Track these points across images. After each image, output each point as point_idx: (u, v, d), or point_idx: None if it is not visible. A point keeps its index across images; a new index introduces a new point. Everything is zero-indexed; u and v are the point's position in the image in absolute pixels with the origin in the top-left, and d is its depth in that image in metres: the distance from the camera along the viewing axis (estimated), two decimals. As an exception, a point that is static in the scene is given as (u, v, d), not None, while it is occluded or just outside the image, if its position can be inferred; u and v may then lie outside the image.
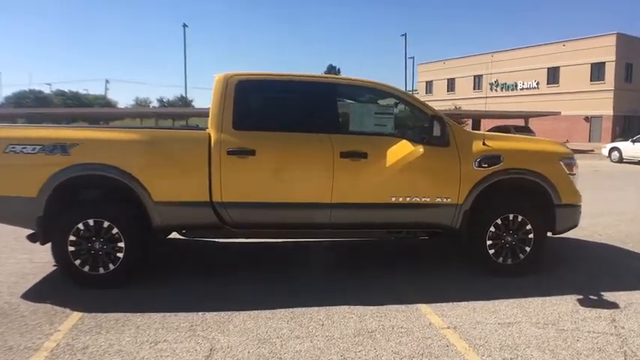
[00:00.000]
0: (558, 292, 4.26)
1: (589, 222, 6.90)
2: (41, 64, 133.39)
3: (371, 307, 3.87)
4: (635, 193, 11.47)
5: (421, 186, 4.50)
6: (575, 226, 5.01)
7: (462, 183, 4.50)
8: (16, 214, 4.20)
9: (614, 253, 5.78)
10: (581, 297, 4.14)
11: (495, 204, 4.66)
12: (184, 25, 46.49)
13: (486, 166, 4.52)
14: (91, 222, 4.14)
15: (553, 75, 43.52)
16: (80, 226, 4.13)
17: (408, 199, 4.47)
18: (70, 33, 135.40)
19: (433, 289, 4.33)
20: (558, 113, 34.66)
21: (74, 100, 60.44)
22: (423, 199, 4.49)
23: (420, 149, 4.42)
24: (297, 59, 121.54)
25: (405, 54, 51.48)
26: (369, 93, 4.92)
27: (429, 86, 57.04)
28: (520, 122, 33.60)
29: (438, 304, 3.96)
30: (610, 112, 39.55)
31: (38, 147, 4.08)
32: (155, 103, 70.34)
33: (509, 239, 4.64)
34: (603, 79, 39.92)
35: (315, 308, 3.85)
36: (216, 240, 5.80)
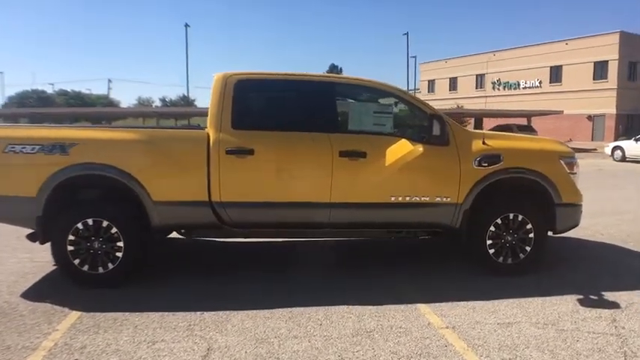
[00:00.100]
0: (558, 291, 4.24)
1: (590, 221, 6.87)
2: (44, 64, 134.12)
3: (370, 307, 3.86)
4: (638, 192, 11.42)
5: (421, 185, 4.49)
6: (576, 225, 4.99)
7: (462, 182, 4.49)
8: (16, 213, 4.21)
9: (616, 253, 5.75)
10: (581, 297, 4.12)
11: (495, 203, 4.64)
12: (186, 25, 46.26)
13: (486, 165, 4.50)
14: (90, 221, 4.14)
15: (556, 74, 43.37)
16: (79, 225, 4.13)
17: (407, 198, 4.46)
18: (72, 33, 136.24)
19: (433, 288, 4.32)
20: (561, 112, 34.55)
21: (77, 99, 60.59)
22: (423, 199, 4.48)
23: (420, 148, 4.40)
24: (298, 58, 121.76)
25: (407, 53, 51.07)
26: (368, 92, 4.91)
27: (431, 85, 56.95)
28: (523, 121, 33.48)
29: (438, 304, 3.95)
30: (613, 110, 39.40)
31: (37, 147, 4.08)
32: (158, 103, 70.46)
33: (510, 239, 4.62)
34: (606, 78, 39.78)
35: (314, 308, 3.84)
36: (216, 239, 5.79)
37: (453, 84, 53.89)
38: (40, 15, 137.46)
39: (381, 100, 4.86)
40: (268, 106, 4.79)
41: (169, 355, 3.08)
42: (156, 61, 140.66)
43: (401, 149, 4.41)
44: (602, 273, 4.87)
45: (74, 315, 3.67)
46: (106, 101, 64.21)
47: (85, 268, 4.17)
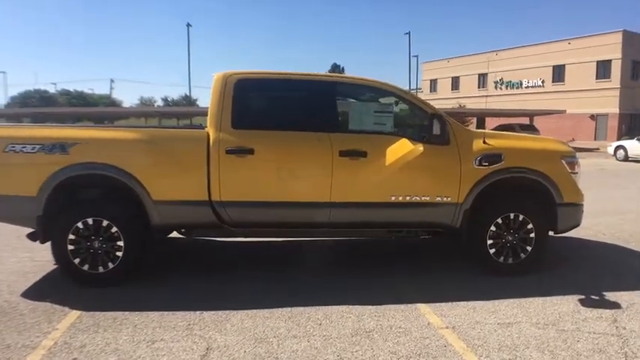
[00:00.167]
0: (559, 291, 4.22)
1: (592, 221, 6.84)
2: (46, 63, 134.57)
3: (369, 307, 3.85)
4: (640, 191, 11.38)
5: (421, 185, 4.47)
6: (578, 225, 4.96)
7: (462, 182, 4.47)
8: (16, 213, 4.21)
9: (617, 253, 5.72)
10: (582, 297, 4.10)
11: (496, 203, 4.62)
12: (188, 25, 46.36)
13: (487, 164, 4.49)
14: (90, 221, 4.15)
15: (558, 73, 43.26)
16: (79, 225, 4.14)
17: (407, 198, 4.45)
18: (74, 33, 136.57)
19: (433, 288, 4.31)
20: (564, 111, 34.46)
21: (79, 99, 60.73)
22: (423, 198, 4.46)
23: (420, 148, 4.39)
24: (299, 57, 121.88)
25: (410, 52, 50.87)
26: (369, 91, 4.90)
27: (433, 84, 56.88)
28: (525, 120, 33.41)
29: (438, 304, 3.94)
30: (616, 110, 39.27)
31: (38, 146, 4.09)
32: (160, 103, 70.67)
33: (510, 238, 4.61)
34: (609, 77, 39.65)
35: (314, 307, 3.84)
36: (215, 239, 5.79)
37: (455, 83, 53.80)
38: (42, 15, 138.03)
39: (382, 100, 4.85)
40: (268, 106, 4.79)
41: (168, 354, 3.08)
42: (156, 61, 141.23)
43: (401, 149, 4.39)
44: (603, 273, 4.85)
45: (74, 314, 3.67)
46: (109, 101, 64.31)
47: (85, 267, 4.18)
